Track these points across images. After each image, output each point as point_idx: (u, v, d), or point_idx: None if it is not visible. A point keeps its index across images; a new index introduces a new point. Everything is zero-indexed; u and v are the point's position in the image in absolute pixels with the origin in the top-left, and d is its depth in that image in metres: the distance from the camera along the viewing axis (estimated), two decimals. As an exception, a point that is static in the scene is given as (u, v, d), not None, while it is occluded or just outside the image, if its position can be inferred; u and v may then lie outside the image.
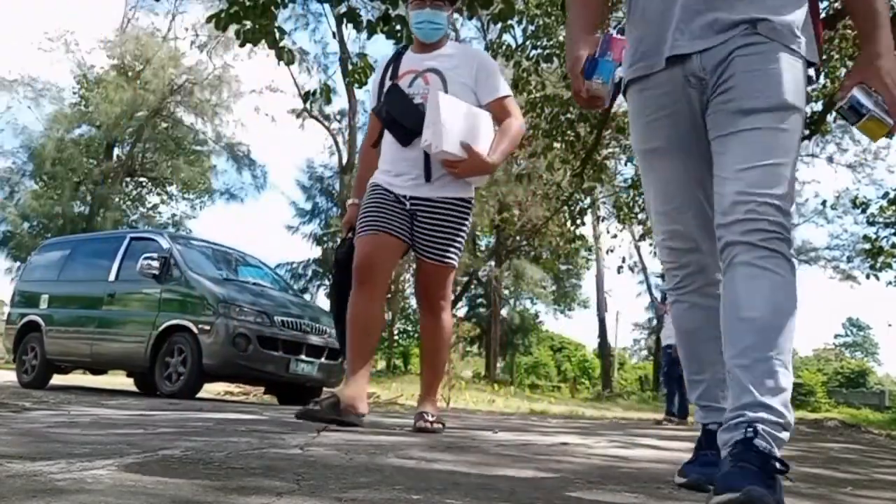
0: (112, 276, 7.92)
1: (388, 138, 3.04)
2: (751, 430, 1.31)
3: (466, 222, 3.08)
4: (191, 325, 6.92)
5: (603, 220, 21.16)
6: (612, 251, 17.50)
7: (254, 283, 8.05)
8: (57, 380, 8.68)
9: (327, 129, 27.21)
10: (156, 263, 7.29)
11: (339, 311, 3.17)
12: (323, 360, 7.45)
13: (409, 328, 37.58)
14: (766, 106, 1.46)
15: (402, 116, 2.95)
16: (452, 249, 3.03)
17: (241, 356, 6.83)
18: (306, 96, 6.55)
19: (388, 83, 3.08)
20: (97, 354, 7.80)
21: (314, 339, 7.43)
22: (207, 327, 6.84)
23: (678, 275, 1.71)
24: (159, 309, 7.30)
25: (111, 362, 8.12)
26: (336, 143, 27.28)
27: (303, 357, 7.25)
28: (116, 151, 28.41)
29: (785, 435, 1.35)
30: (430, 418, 3.01)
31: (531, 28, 9.09)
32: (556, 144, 10.18)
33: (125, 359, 7.65)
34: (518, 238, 26.85)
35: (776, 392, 1.34)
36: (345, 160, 26.83)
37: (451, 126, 2.81)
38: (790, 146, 1.48)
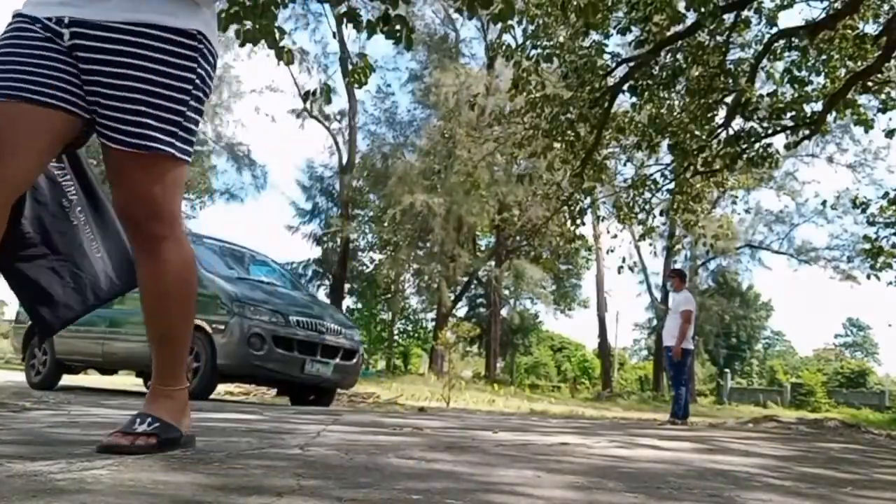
0: None
1: None
2: None
3: (188, 72, 1.63)
4: (204, 324, 6.74)
5: (603, 220, 21.12)
6: (612, 251, 17.53)
7: (267, 282, 7.92)
8: (57, 379, 8.66)
9: (327, 129, 27.24)
10: None
11: None
12: (338, 360, 7.32)
13: (409, 328, 37.59)
14: None
15: None
16: (156, 122, 1.59)
17: (257, 356, 6.68)
18: (306, 96, 6.55)
19: None
20: (108, 354, 7.66)
21: (329, 339, 7.29)
22: (222, 327, 6.70)
23: None
24: None
25: (122, 362, 7.97)
26: (336, 143, 27.28)
27: (318, 357, 7.10)
28: (117, 151, 28.43)
29: None
30: (139, 427, 1.68)
31: (531, 28, 9.09)
32: (557, 144, 10.18)
33: (137, 358, 7.44)
34: (518, 238, 26.85)
35: None
36: (345, 160, 26.81)
37: None
38: None
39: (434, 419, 4.91)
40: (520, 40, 9.89)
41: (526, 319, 36.86)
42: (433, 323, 29.22)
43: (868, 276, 13.87)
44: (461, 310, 33.39)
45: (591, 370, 44.88)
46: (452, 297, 27.56)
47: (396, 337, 36.46)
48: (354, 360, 7.63)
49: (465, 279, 28.16)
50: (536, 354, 46.82)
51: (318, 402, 7.56)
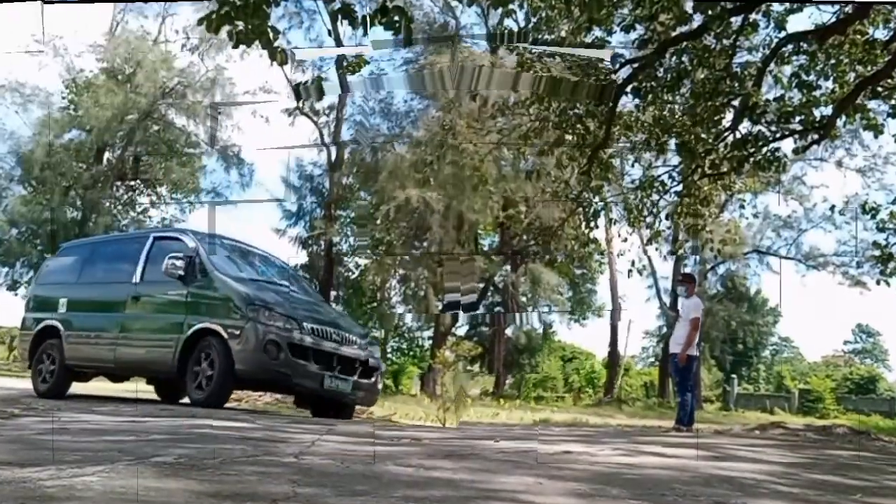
0: (136, 278, 7.52)
1: None
2: None
3: None
4: (220, 329, 6.54)
5: (615, 223, 20.86)
6: (622, 254, 17.40)
7: (279, 285, 7.73)
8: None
9: (315, 123, 26.39)
10: (181, 263, 6.91)
11: None
12: (356, 377, 7.08)
13: (404, 345, 35.91)
14: None
15: None
16: None
17: (274, 362, 6.44)
18: (297, 89, 6.45)
19: None
20: (120, 360, 7.40)
21: (345, 350, 7.08)
22: (237, 331, 6.48)
23: None
24: (187, 312, 6.90)
25: (135, 368, 7.68)
26: (321, 136, 26.27)
27: (337, 374, 6.85)
28: (107, 155, 27.95)
29: None
30: None
31: (533, 20, 9.00)
32: (568, 137, 10.03)
33: (151, 365, 7.24)
34: (525, 238, 26.21)
35: None
36: (333, 156, 26.16)
37: None
38: None
39: (433, 431, 4.88)
40: (521, 24, 9.75)
41: (533, 339, 36.15)
42: (430, 341, 28.27)
43: (878, 282, 13.75)
44: (461, 329, 32.17)
45: (596, 380, 44.57)
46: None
47: (390, 355, 34.79)
48: (374, 379, 7.41)
49: (481, 285, 27.48)
50: (545, 368, 46.14)
51: (338, 414, 7.29)
